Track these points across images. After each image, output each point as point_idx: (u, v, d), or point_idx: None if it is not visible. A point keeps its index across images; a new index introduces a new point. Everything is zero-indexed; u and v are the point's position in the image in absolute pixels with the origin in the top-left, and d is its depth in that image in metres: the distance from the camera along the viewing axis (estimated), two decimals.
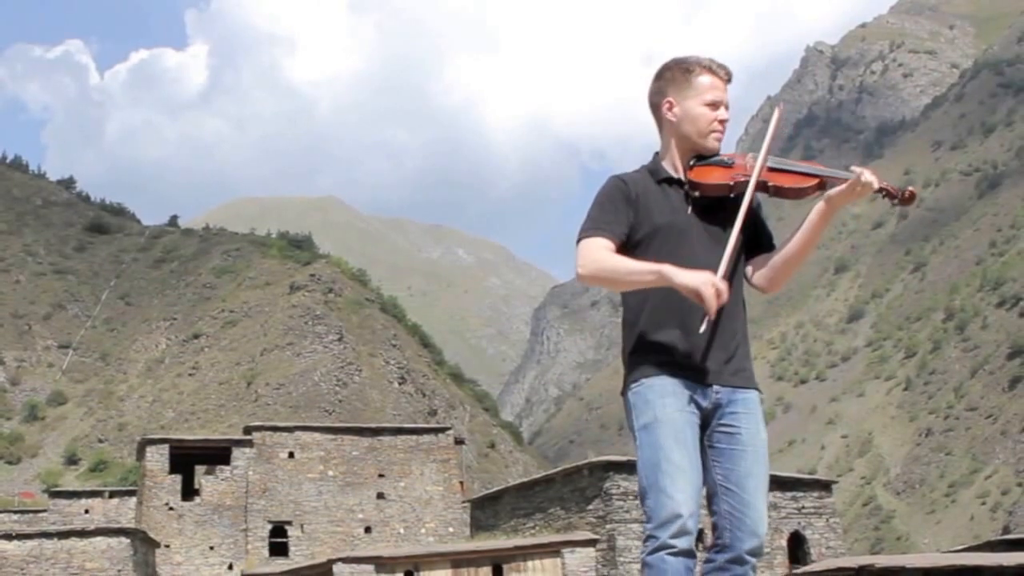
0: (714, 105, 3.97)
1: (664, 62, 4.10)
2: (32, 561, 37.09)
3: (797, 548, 34.69)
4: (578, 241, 3.91)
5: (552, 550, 32.91)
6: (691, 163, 3.99)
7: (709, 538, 3.94)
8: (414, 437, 49.23)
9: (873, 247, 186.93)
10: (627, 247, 3.90)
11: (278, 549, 45.46)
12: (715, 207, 3.95)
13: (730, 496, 3.85)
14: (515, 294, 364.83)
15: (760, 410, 3.99)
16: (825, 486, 36.98)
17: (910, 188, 3.83)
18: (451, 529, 46.98)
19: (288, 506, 46.15)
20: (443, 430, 51.25)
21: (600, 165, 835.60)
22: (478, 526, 39.71)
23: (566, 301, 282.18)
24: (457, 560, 33.28)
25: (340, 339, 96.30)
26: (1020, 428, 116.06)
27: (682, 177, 3.99)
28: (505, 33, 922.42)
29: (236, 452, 46.73)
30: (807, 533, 34.77)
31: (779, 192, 3.95)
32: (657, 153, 4.10)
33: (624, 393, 3.97)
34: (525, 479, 43.32)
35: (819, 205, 3.89)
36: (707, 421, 3.90)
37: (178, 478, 46.34)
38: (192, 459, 49.83)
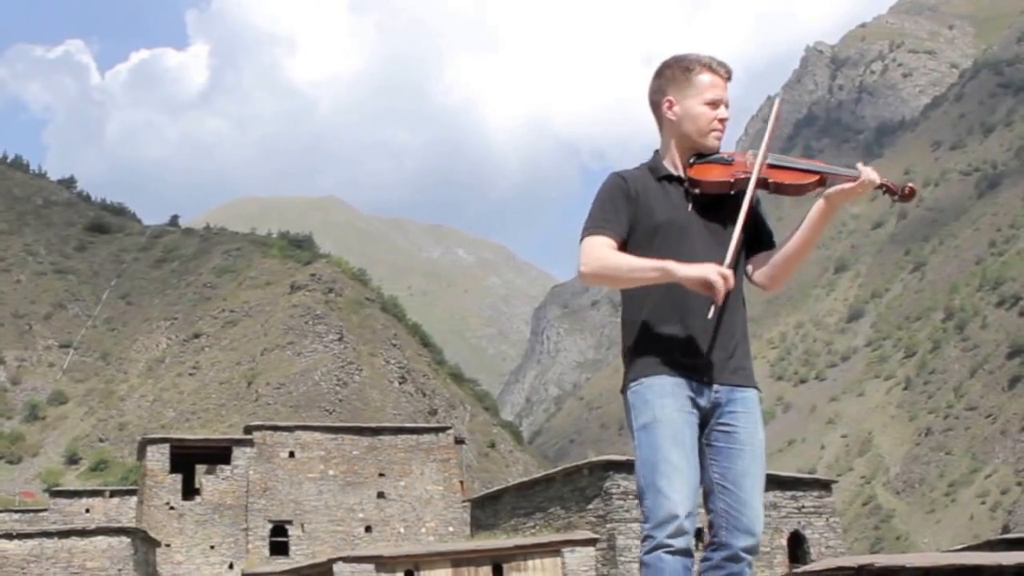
0: (714, 104, 3.97)
1: (664, 60, 4.09)
2: (33, 560, 37.13)
3: (797, 547, 34.72)
4: (581, 240, 3.91)
5: (552, 549, 32.92)
6: (691, 161, 3.99)
7: (708, 537, 3.96)
8: (414, 437, 49.27)
9: (873, 247, 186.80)
10: (628, 244, 3.90)
11: (279, 548, 45.50)
12: (715, 204, 3.95)
13: (726, 494, 3.87)
14: (515, 294, 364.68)
15: (759, 409, 4.00)
16: (825, 485, 37.01)
17: (910, 184, 3.84)
18: (451, 528, 47.00)
19: (288, 505, 46.18)
20: (443, 430, 51.30)
21: (600, 165, 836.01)
22: (478, 525, 39.75)
23: (566, 301, 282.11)
24: (457, 559, 33.29)
25: (340, 339, 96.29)
26: (1020, 428, 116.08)
27: (682, 175, 3.99)
28: (505, 33, 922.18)
29: (237, 451, 46.78)
30: (807, 532, 34.79)
31: (779, 189, 3.96)
32: (657, 151, 4.10)
33: (624, 391, 3.98)
34: (525, 479, 43.33)
35: (819, 203, 3.89)
36: (706, 420, 3.91)
37: (179, 477, 46.37)
38: (193, 458, 49.85)
